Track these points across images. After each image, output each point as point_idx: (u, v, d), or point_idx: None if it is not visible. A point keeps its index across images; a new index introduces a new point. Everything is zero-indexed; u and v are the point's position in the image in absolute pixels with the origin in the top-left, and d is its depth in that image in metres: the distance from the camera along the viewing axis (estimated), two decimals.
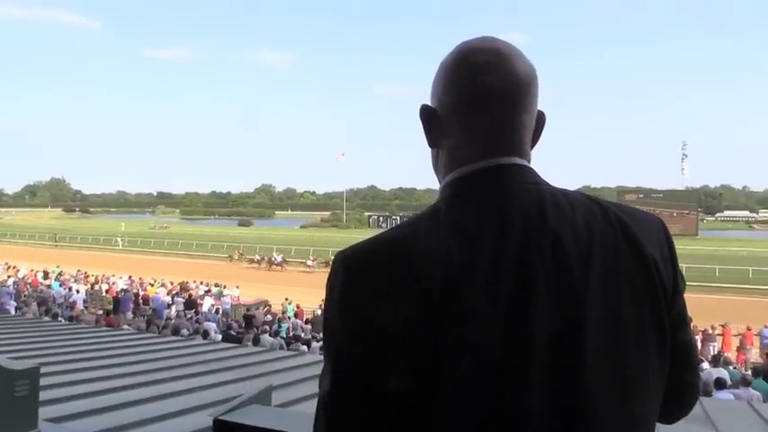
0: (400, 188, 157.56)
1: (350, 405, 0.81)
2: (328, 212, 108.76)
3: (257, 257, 42.65)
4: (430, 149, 1.02)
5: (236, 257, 43.99)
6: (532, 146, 0.99)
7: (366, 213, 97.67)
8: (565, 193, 0.91)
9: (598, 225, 0.87)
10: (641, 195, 71.18)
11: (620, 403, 0.83)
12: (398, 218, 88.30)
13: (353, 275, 0.84)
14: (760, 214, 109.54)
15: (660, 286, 0.88)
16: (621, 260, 0.86)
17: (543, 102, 0.98)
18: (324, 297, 0.88)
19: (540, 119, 0.99)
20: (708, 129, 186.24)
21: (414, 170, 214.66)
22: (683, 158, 79.44)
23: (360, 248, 0.87)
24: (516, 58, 0.94)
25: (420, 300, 0.79)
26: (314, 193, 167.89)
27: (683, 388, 0.96)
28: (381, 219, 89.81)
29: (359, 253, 0.86)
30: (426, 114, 0.98)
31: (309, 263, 40.14)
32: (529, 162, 0.95)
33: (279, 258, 41.89)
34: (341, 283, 0.84)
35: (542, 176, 0.94)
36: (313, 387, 4.78)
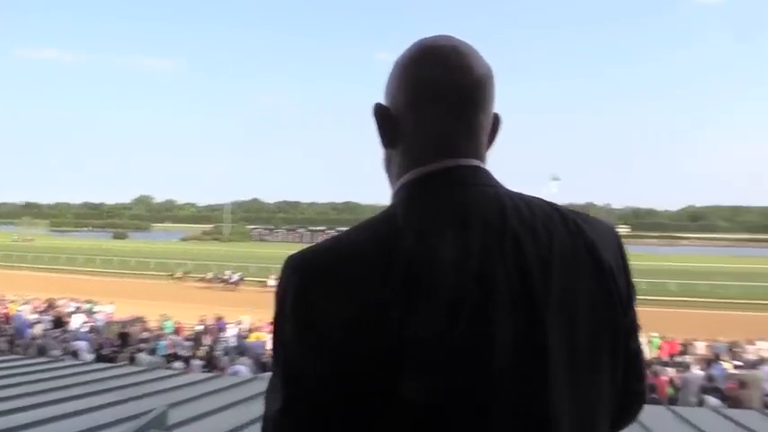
0: (285, 201, 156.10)
1: (307, 420, 0.77)
2: (210, 225, 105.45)
3: (209, 276, 38.98)
4: (383, 150, 0.99)
5: (178, 276, 40.54)
6: (487, 148, 0.97)
7: (249, 226, 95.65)
8: (522, 197, 0.90)
9: (557, 230, 0.87)
10: None
11: (580, 404, 0.83)
12: (283, 231, 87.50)
13: (308, 279, 0.80)
14: (619, 230, 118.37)
15: (616, 294, 0.88)
16: (580, 266, 0.86)
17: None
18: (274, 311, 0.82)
19: (496, 121, 0.98)
20: (574, 148, 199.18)
21: (299, 183, 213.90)
22: (553, 180, 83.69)
23: (313, 251, 0.83)
24: (474, 57, 0.93)
25: (381, 303, 0.76)
26: (194, 205, 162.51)
27: (631, 396, 0.96)
28: (265, 232, 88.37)
29: (312, 256, 0.82)
30: (380, 113, 0.95)
31: (272, 282, 35.01)
32: (485, 164, 0.94)
33: (235, 277, 38.37)
34: (294, 288, 0.80)
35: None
36: (201, 407, 4.63)
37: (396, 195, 0.92)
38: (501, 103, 0.96)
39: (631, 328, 0.93)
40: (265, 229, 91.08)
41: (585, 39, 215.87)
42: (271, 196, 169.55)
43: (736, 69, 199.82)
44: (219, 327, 17.69)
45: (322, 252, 0.83)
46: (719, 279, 37.45)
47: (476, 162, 0.92)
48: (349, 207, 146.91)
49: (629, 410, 0.98)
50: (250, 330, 17.43)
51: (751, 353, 15.92)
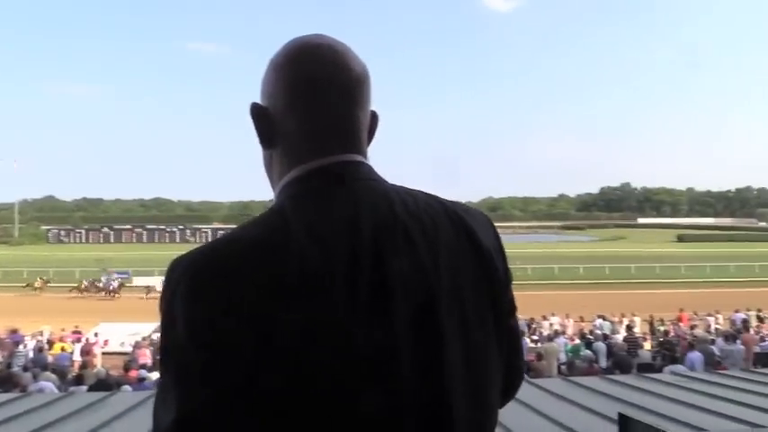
0: (84, 198, 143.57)
1: (210, 425, 0.74)
2: None
3: (85, 284, 33.92)
4: (262, 150, 0.98)
5: (38, 285, 34.48)
6: (367, 145, 0.99)
7: (44, 227, 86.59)
8: (408, 190, 0.93)
9: (441, 221, 0.90)
10: None
11: (474, 385, 0.87)
12: (83, 231, 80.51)
13: (199, 279, 0.77)
14: None
15: (495, 277, 0.93)
16: (463, 254, 0.90)
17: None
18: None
19: (374, 118, 1.00)
20: (386, 143, 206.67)
21: (101, 179, 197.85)
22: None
23: (202, 251, 0.81)
24: (350, 55, 0.95)
25: (280, 295, 0.75)
26: None
27: (513, 372, 1.01)
28: (63, 233, 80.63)
29: (202, 255, 0.80)
30: (257, 114, 0.94)
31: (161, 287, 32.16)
32: (366, 160, 0.96)
33: (114, 283, 33.94)
34: (185, 289, 0.77)
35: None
36: None
37: (280, 194, 0.92)
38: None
39: (511, 307, 1.00)
40: (63, 229, 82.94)
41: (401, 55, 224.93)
42: (68, 193, 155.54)
43: (531, 74, 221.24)
44: (15, 340, 15.90)
45: (211, 250, 0.81)
46: (517, 263, 41.27)
47: (359, 157, 0.93)
48: (159, 203, 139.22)
49: (513, 386, 1.04)
50: (50, 342, 15.90)
51: (546, 328, 17.81)
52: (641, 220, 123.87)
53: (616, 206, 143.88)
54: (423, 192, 0.95)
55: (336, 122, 0.93)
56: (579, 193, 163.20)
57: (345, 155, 0.92)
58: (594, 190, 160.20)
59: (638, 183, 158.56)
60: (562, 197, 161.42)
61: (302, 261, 0.77)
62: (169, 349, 0.78)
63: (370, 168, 0.94)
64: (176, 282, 0.78)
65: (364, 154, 0.96)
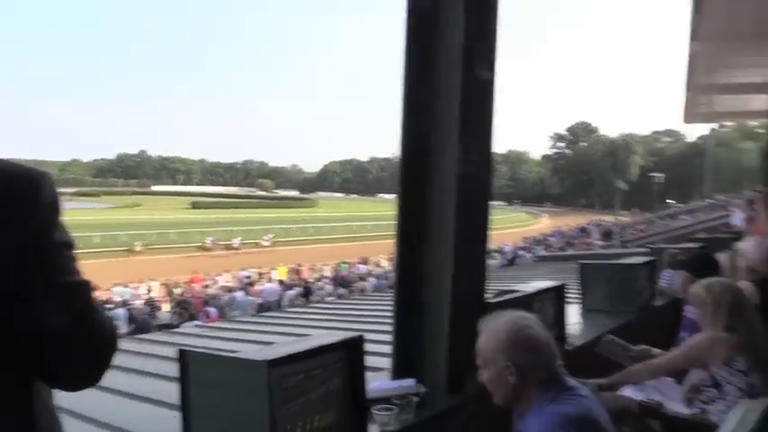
0: None
1: None
2: None
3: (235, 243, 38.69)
4: None
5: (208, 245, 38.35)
6: None
7: None
8: None
9: None
10: None
11: None
12: None
13: None
14: None
15: None
16: None
17: None
18: None
19: None
20: None
21: None
22: None
23: None
24: None
25: None
26: None
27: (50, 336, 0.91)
28: None
29: None
30: None
31: (265, 242, 40.26)
32: None
33: (236, 242, 39.51)
34: None
35: None
36: None
37: None
38: None
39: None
40: None
41: None
42: None
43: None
44: None
45: None
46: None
47: None
48: None
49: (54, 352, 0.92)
50: None
51: (117, 294, 16.86)
52: (156, 188, 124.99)
53: (133, 173, 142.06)
54: None
55: None
56: (95, 158, 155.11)
57: None
58: (111, 156, 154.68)
59: (154, 151, 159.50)
60: (75, 162, 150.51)
61: None
62: None
63: None
64: None
65: None
